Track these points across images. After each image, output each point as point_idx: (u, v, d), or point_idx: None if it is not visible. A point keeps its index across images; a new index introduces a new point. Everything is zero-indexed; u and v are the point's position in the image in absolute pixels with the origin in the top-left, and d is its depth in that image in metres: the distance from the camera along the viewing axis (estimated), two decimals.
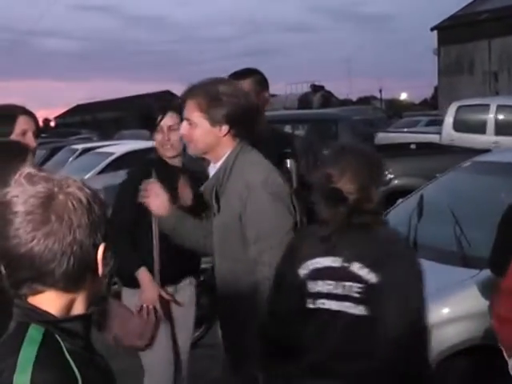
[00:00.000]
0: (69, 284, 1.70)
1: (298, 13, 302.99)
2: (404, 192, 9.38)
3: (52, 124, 77.98)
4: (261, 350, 3.32)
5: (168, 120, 4.26)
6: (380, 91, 59.61)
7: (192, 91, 3.44)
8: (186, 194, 4.25)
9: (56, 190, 1.67)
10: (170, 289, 4.38)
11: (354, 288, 3.04)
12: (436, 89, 46.82)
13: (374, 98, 62.03)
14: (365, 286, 3.02)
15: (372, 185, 3.09)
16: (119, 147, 13.63)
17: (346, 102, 48.36)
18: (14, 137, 3.66)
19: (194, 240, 3.86)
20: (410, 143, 12.30)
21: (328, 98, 35.50)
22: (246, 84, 4.17)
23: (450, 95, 31.67)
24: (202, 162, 3.73)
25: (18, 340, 1.67)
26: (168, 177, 4.20)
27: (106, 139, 23.98)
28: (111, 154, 12.77)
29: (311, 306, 3.13)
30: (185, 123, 3.48)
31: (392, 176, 10.15)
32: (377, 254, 3.04)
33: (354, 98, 61.93)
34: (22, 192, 1.66)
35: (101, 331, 3.91)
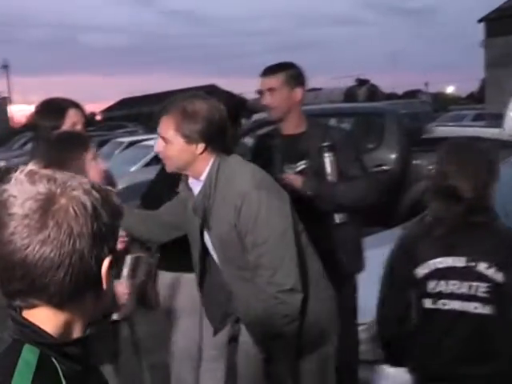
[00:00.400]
0: (65, 300, 1.56)
1: (345, 6, 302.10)
2: None
3: (98, 118, 78.56)
4: (384, 351, 3.46)
5: None
6: (426, 85, 59.17)
7: (167, 109, 3.42)
8: None
9: (58, 192, 1.51)
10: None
11: (480, 288, 3.03)
12: (483, 82, 46.20)
13: (420, 91, 61.45)
14: (492, 285, 3.01)
15: (490, 182, 3.07)
16: None
17: (391, 96, 48.04)
18: (64, 129, 3.73)
19: (144, 232, 3.95)
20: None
21: (374, 92, 35.32)
22: (277, 79, 4.25)
23: (496, 88, 31.25)
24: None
25: (11, 362, 1.52)
26: None
27: (151, 132, 24.10)
28: None
29: (430, 306, 3.12)
30: (160, 140, 3.46)
31: None
32: (502, 253, 3.03)
33: (400, 92, 61.34)
34: (21, 192, 1.50)
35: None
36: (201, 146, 3.34)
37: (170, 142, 3.38)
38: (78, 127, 3.82)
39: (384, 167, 9.72)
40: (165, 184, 4.27)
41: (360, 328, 4.50)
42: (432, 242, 3.11)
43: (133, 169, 12.25)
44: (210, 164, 3.39)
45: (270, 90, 4.31)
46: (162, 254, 4.62)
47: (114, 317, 3.54)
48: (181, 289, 4.54)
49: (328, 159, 4.16)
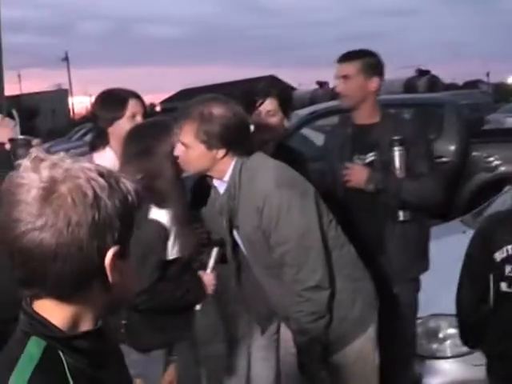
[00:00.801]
0: (67, 291, 1.54)
1: None
2: (510, 179, 9.18)
3: (157, 109, 79.15)
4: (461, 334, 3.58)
5: (267, 105, 4.29)
6: (487, 75, 58.31)
7: (186, 114, 3.37)
8: None
9: (60, 179, 1.48)
10: None
11: None
12: None
13: (481, 81, 60.55)
14: None
15: None
16: None
17: (451, 87, 47.43)
18: (124, 119, 3.79)
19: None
20: None
21: (434, 83, 34.82)
22: (353, 66, 4.18)
23: None
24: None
25: (15, 354, 1.52)
26: None
27: None
28: None
29: (506, 289, 3.20)
30: (179, 145, 3.41)
31: (498, 162, 9.92)
32: None
33: (460, 82, 60.51)
34: (27, 179, 1.49)
35: None
36: (221, 151, 3.32)
37: (191, 148, 3.34)
38: (138, 118, 3.86)
39: (443, 159, 9.60)
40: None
41: (416, 322, 4.47)
42: (510, 228, 3.24)
43: None
44: (232, 165, 3.37)
45: (345, 77, 4.25)
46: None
47: (197, 307, 3.60)
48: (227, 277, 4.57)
49: (397, 153, 4.07)
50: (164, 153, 3.39)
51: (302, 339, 3.41)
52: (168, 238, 3.37)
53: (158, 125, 3.56)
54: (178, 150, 3.40)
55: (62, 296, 1.55)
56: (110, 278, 1.55)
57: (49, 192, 1.47)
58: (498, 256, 3.22)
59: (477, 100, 29.90)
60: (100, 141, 3.95)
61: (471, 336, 3.57)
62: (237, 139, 3.32)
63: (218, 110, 3.29)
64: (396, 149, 4.05)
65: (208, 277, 3.61)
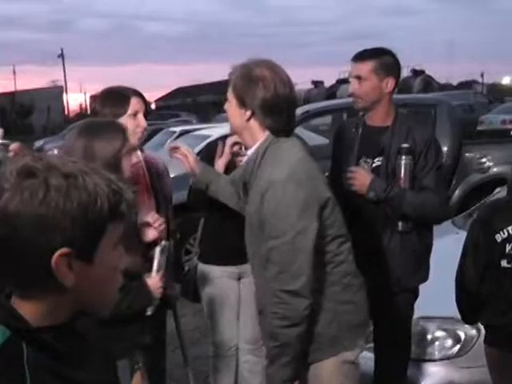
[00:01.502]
0: (23, 286, 1.57)
1: None
2: (503, 180, 9.19)
3: (153, 106, 79.18)
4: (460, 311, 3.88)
5: None
6: (482, 75, 58.46)
7: (234, 69, 3.33)
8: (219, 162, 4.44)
9: (20, 174, 1.52)
10: (236, 269, 4.58)
11: None
12: None
13: (476, 82, 60.75)
14: None
15: None
16: (216, 130, 13.67)
17: (446, 87, 47.51)
18: (126, 117, 3.78)
19: (227, 196, 3.90)
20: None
21: (428, 83, 34.99)
22: (366, 66, 4.06)
23: None
24: None
25: None
26: None
27: (205, 122, 24.22)
28: (208, 136, 12.80)
29: (506, 265, 3.57)
30: (227, 101, 3.37)
31: (491, 163, 9.93)
32: None
33: (455, 83, 60.64)
34: (8, 170, 1.53)
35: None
36: (248, 113, 3.26)
37: (228, 102, 3.34)
38: (140, 116, 3.83)
39: None
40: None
41: None
42: (507, 214, 3.63)
43: None
44: (260, 142, 3.28)
45: (358, 77, 4.10)
46: (201, 248, 4.66)
47: (148, 312, 3.50)
48: (219, 282, 4.58)
49: (404, 162, 3.95)
50: (105, 159, 3.20)
51: (270, 344, 3.23)
52: None
53: (108, 126, 3.41)
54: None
55: (21, 290, 1.57)
56: (59, 279, 1.52)
57: (11, 186, 1.49)
58: (499, 237, 3.58)
59: (471, 101, 30.07)
60: None
61: (469, 312, 3.85)
62: (268, 107, 3.21)
63: (261, 71, 3.23)
64: (403, 157, 3.94)
65: (153, 280, 3.46)
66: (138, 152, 3.96)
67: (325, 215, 3.19)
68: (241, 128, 3.32)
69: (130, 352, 3.40)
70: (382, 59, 4.08)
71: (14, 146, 3.31)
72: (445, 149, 9.84)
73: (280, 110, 3.23)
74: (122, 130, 3.40)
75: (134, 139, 3.74)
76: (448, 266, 5.01)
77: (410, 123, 4.22)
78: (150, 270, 3.51)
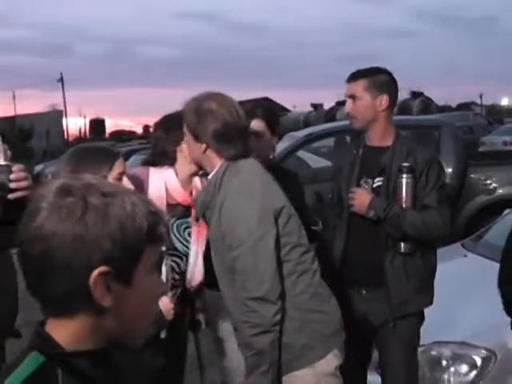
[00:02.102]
0: (58, 308, 1.52)
1: (399, 18, 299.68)
2: (509, 202, 9.13)
3: (151, 130, 79.33)
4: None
5: (254, 126, 4.25)
6: (480, 97, 58.64)
7: (185, 107, 3.46)
8: None
9: (56, 193, 1.50)
10: None
11: None
12: None
13: (474, 103, 60.91)
14: None
15: None
16: None
17: (445, 108, 47.67)
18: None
19: None
20: None
21: (428, 104, 35.08)
22: (358, 85, 4.05)
23: None
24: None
25: (15, 364, 1.51)
26: None
27: None
28: None
29: None
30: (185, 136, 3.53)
31: (496, 185, 9.88)
32: None
33: (454, 104, 60.81)
34: (39, 191, 1.53)
35: None
36: (204, 146, 3.38)
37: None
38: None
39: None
40: None
41: (419, 350, 4.36)
42: None
43: None
44: (217, 168, 3.39)
45: (352, 96, 4.08)
46: (206, 272, 4.59)
47: (162, 335, 3.47)
48: (224, 308, 4.51)
49: (405, 181, 3.90)
50: None
51: (246, 354, 3.26)
52: None
53: (101, 153, 3.40)
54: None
55: (56, 312, 1.53)
56: (96, 299, 1.49)
57: (47, 205, 1.48)
58: None
59: (470, 122, 30.14)
60: (167, 161, 3.90)
61: None
62: (222, 137, 3.33)
63: (211, 105, 3.36)
64: (404, 176, 3.89)
65: (164, 302, 3.43)
66: (197, 178, 3.96)
67: (281, 223, 3.27)
68: (200, 159, 3.47)
69: (143, 379, 3.36)
70: (375, 77, 4.07)
71: (16, 167, 3.30)
72: (449, 170, 9.81)
73: (232, 138, 3.36)
74: (111, 156, 3.38)
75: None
76: (458, 288, 4.97)
77: (410, 144, 4.21)
78: None
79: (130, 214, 1.51)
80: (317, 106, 44.52)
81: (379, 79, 4.06)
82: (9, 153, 3.37)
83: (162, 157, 3.91)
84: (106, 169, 3.25)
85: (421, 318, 4.15)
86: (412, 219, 3.90)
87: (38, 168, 33.82)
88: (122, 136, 65.88)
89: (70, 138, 71.23)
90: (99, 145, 3.59)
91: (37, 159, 48.38)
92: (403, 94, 39.01)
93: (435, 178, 3.99)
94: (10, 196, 3.22)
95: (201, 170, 3.79)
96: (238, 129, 3.37)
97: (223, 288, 3.51)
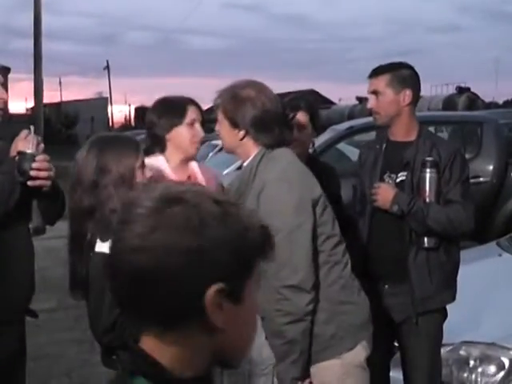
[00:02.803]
0: (163, 324, 1.38)
1: (446, 12, 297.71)
2: None
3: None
4: None
5: (299, 118, 4.29)
6: None
7: (221, 94, 3.45)
8: None
9: (165, 202, 1.38)
10: None
11: None
12: None
13: None
14: None
15: None
16: None
17: (491, 105, 47.09)
18: (183, 126, 3.79)
19: None
20: None
21: (474, 101, 34.59)
22: (380, 81, 4.02)
23: None
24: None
25: None
26: None
27: None
28: None
29: None
30: (218, 123, 3.50)
31: None
32: None
33: (501, 101, 60.03)
34: (138, 199, 1.41)
35: None
36: (242, 133, 3.40)
37: (219, 124, 3.46)
38: (197, 125, 3.83)
39: (480, 179, 9.43)
40: None
41: (447, 349, 4.31)
42: None
43: (225, 171, 12.20)
44: (254, 154, 3.38)
45: (374, 92, 4.06)
46: None
47: None
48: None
49: (428, 175, 3.87)
50: (119, 172, 3.15)
51: (277, 342, 3.24)
52: None
53: (126, 140, 3.36)
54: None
55: (160, 331, 1.39)
56: (211, 319, 1.36)
57: (152, 213, 1.36)
58: None
59: None
60: (157, 148, 3.89)
61: None
62: (259, 124, 3.33)
63: (249, 92, 3.36)
64: (428, 170, 3.86)
65: None
66: (194, 163, 3.99)
67: (318, 213, 3.27)
68: (235, 147, 3.46)
69: None
70: (397, 72, 4.02)
71: (40, 157, 3.34)
72: (490, 168, 9.69)
73: (271, 125, 3.36)
74: (135, 144, 3.35)
75: (191, 149, 3.84)
76: (491, 288, 4.90)
77: (434, 138, 4.20)
78: None
79: (247, 225, 1.41)
80: (362, 100, 44.21)
81: (401, 74, 4.02)
82: (42, 146, 3.45)
83: (153, 143, 3.91)
84: (133, 157, 3.22)
85: (444, 314, 4.11)
86: (436, 214, 3.87)
87: None
88: None
89: (115, 126, 71.79)
90: (120, 134, 3.58)
91: (81, 145, 48.79)
92: (449, 90, 38.69)
93: (459, 172, 3.96)
94: (29, 183, 3.38)
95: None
96: (277, 117, 3.38)
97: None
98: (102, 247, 3.05)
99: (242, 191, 3.40)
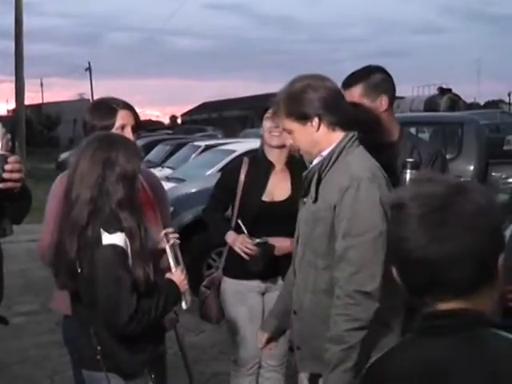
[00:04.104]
0: (467, 291, 1.73)
1: (428, 14, 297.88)
2: None
3: (179, 121, 79.55)
4: None
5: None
6: (509, 95, 58.00)
7: (277, 100, 3.37)
8: None
9: (453, 193, 1.70)
10: (260, 283, 4.51)
11: None
12: None
13: (503, 101, 60.28)
14: None
15: None
16: (241, 145, 13.69)
17: (473, 106, 47.26)
18: (114, 130, 3.71)
19: None
20: None
21: (455, 101, 34.74)
22: (354, 93, 3.91)
23: None
24: None
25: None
26: (260, 171, 4.47)
27: (230, 137, 24.21)
28: (233, 151, 12.84)
29: None
30: (285, 134, 3.42)
31: None
32: None
33: (482, 102, 60.23)
34: (416, 195, 1.74)
35: None
36: (316, 121, 3.30)
37: (291, 131, 3.39)
38: (128, 129, 3.75)
39: (461, 179, 9.45)
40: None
41: None
42: None
43: (208, 173, 12.22)
44: (336, 143, 3.29)
45: (351, 103, 3.94)
46: (228, 262, 4.60)
47: (184, 306, 3.46)
48: (245, 297, 4.51)
49: (408, 176, 3.77)
50: (120, 173, 3.20)
51: (334, 349, 3.09)
52: (128, 257, 3.14)
53: (127, 142, 3.41)
54: (287, 140, 3.51)
55: (460, 294, 1.74)
56: (497, 281, 1.75)
57: (445, 203, 1.69)
58: None
59: (497, 120, 29.85)
60: None
61: None
62: (330, 107, 3.27)
63: (307, 82, 3.31)
64: (408, 172, 3.76)
65: (176, 275, 3.39)
66: None
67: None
68: (313, 144, 3.33)
69: (150, 363, 3.36)
70: (369, 80, 3.92)
71: (12, 158, 3.29)
72: (471, 168, 9.75)
73: (341, 103, 3.34)
74: (139, 148, 3.42)
75: None
76: None
77: (414, 139, 4.21)
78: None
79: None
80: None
81: (374, 81, 3.93)
82: (10, 144, 3.37)
83: None
84: (138, 159, 3.32)
85: None
86: None
87: (64, 156, 33.96)
88: (149, 126, 66.09)
89: None
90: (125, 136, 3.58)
91: (63, 147, 48.66)
92: (431, 91, 38.83)
93: (439, 171, 3.94)
94: (0, 186, 3.22)
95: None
96: (338, 94, 3.34)
97: (300, 273, 3.41)
98: (111, 239, 3.10)
99: (323, 172, 3.29)
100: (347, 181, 3.15)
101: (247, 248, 4.27)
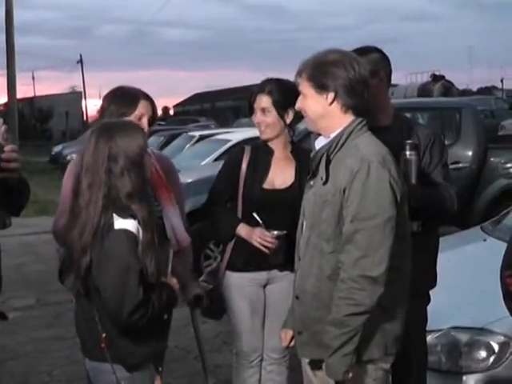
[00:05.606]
0: None
1: (418, 0, 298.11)
2: None
3: (171, 112, 79.55)
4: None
5: (261, 102, 4.28)
6: (502, 81, 58.14)
7: (304, 63, 3.29)
8: None
9: None
10: (265, 275, 4.42)
11: None
12: None
13: (495, 88, 60.43)
14: None
15: None
16: (236, 135, 13.65)
17: (465, 92, 47.35)
18: (131, 118, 3.72)
19: None
20: None
21: (448, 88, 34.73)
22: None
23: None
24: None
25: None
26: (261, 159, 4.39)
27: (224, 127, 24.13)
28: (228, 141, 12.79)
29: None
30: (300, 97, 3.32)
31: None
32: None
33: (475, 89, 60.31)
34: None
35: None
36: (331, 96, 3.22)
37: (305, 95, 3.30)
38: (144, 119, 3.79)
39: (460, 164, 9.43)
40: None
41: (436, 335, 4.26)
42: None
43: (203, 163, 12.16)
44: (345, 125, 3.21)
45: None
46: (232, 254, 4.51)
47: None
48: (245, 289, 4.43)
49: (408, 158, 3.77)
50: (130, 157, 3.18)
51: (335, 332, 3.05)
52: (138, 245, 3.11)
53: (126, 125, 3.38)
54: (298, 102, 3.34)
55: None
56: None
57: None
58: None
59: (491, 106, 29.89)
60: None
61: None
62: (349, 89, 3.18)
63: (334, 57, 3.23)
64: (407, 153, 3.76)
65: (173, 280, 3.36)
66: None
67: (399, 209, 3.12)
68: (320, 116, 3.26)
69: (153, 355, 3.33)
70: (367, 58, 3.80)
71: (9, 147, 3.24)
72: (470, 153, 9.70)
73: (362, 90, 3.21)
74: (140, 128, 3.41)
75: None
76: (478, 273, 4.87)
77: (411, 122, 4.17)
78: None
79: None
80: None
81: (371, 59, 3.87)
82: (5, 135, 3.32)
83: None
84: (141, 138, 3.30)
85: (427, 299, 4.05)
86: (418, 196, 3.70)
87: (57, 149, 33.91)
88: None
89: (89, 120, 71.51)
90: (122, 119, 3.57)
91: (56, 140, 48.66)
92: (424, 78, 38.80)
93: (439, 155, 3.92)
94: None
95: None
96: (365, 81, 3.24)
97: (305, 256, 3.34)
98: (124, 224, 3.07)
99: (331, 153, 3.21)
100: (357, 164, 3.07)
101: (266, 241, 4.19)
